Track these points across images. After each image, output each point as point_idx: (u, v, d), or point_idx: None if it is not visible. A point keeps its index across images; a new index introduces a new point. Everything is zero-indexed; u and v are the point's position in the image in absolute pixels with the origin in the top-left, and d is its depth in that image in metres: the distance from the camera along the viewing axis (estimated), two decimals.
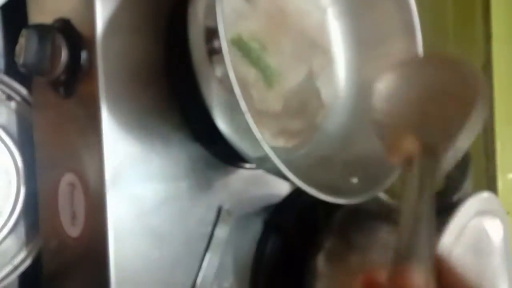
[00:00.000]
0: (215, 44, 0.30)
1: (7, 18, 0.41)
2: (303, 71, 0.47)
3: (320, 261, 0.44)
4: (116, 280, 0.35)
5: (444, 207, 0.38)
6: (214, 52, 0.32)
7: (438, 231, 0.36)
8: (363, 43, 0.49)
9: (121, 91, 0.37)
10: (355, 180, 0.42)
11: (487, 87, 0.50)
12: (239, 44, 0.39)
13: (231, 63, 0.29)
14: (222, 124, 0.34)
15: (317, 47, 0.49)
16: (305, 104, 0.48)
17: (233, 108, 0.31)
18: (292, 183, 0.35)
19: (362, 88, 0.50)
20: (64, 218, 0.37)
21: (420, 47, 0.46)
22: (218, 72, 0.32)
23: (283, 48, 0.45)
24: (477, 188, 0.45)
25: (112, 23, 0.36)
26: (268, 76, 0.43)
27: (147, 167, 0.38)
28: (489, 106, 0.50)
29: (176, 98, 0.40)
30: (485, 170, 0.51)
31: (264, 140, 0.43)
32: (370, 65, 0.49)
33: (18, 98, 0.41)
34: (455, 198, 0.38)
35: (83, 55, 0.35)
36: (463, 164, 0.41)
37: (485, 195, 0.41)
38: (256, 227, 0.48)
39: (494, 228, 0.43)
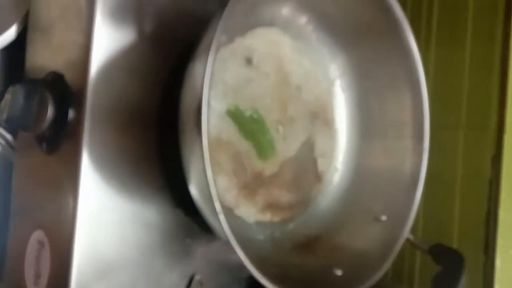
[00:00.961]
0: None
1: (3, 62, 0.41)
2: (301, 140, 0.46)
3: None
4: None
5: None
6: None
7: None
8: (368, 124, 0.47)
9: (105, 151, 0.35)
10: (339, 272, 0.39)
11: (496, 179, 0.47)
12: (235, 115, 0.38)
13: (207, 142, 0.28)
14: (195, 196, 0.32)
15: (319, 118, 0.47)
16: (300, 176, 0.46)
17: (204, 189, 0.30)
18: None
19: (360, 169, 0.48)
20: (28, 276, 0.35)
21: (426, 143, 0.44)
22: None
23: (283, 116, 0.44)
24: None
25: (105, 82, 0.35)
26: (263, 150, 0.41)
27: (122, 232, 0.37)
28: (495, 198, 0.48)
29: (162, 161, 0.39)
30: (482, 272, 0.48)
31: (248, 214, 0.42)
32: (371, 151, 0.47)
33: (2, 141, 0.40)
34: None
35: (71, 113, 0.34)
36: (454, 267, 0.37)
37: None
38: None
39: None
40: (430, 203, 0.52)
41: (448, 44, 0.52)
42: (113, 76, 0.35)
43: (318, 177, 0.47)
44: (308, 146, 0.47)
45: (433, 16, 0.54)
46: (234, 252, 0.44)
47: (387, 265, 0.40)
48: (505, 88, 0.48)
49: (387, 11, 0.41)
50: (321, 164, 0.47)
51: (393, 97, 0.44)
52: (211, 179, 0.28)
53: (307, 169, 0.47)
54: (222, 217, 0.28)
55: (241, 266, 0.46)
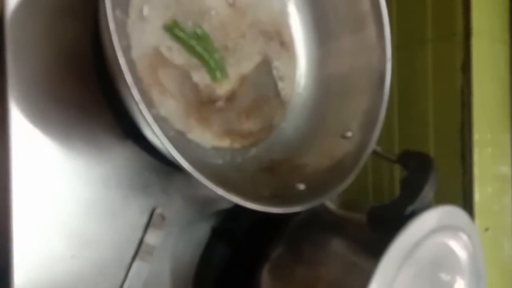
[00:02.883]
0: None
1: None
2: (255, 61, 0.43)
3: (265, 273, 0.40)
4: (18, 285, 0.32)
5: (396, 220, 0.33)
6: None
7: (384, 246, 0.31)
8: (326, 35, 0.45)
9: (36, 82, 0.33)
10: (301, 186, 0.37)
11: (467, 87, 0.45)
12: (173, 30, 0.36)
13: (119, 45, 0.25)
14: (132, 114, 0.30)
15: (274, 39, 0.45)
16: (260, 102, 0.44)
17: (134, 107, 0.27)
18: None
19: (323, 86, 0.46)
20: None
21: (388, 39, 0.42)
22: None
23: (233, 37, 0.41)
24: (452, 201, 0.40)
25: (27, 18, 0.33)
26: (212, 70, 0.39)
27: (68, 165, 0.35)
28: (468, 107, 0.45)
29: (106, 93, 0.37)
30: (461, 182, 0.46)
31: (203, 139, 0.39)
32: (332, 58, 0.44)
33: None
34: (409, 209, 0.34)
35: None
36: (422, 169, 0.36)
37: (449, 208, 0.36)
38: (202, 234, 0.44)
39: (460, 246, 0.38)
40: (404, 119, 0.50)
41: None
42: (36, 12, 0.33)
43: (281, 103, 0.45)
44: (265, 70, 0.44)
45: None
46: (198, 185, 0.43)
47: (352, 177, 0.38)
48: None
49: None
50: (282, 89, 0.45)
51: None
52: (126, 69, 0.26)
53: (267, 94, 0.45)
54: (143, 106, 0.26)
55: (207, 201, 0.45)
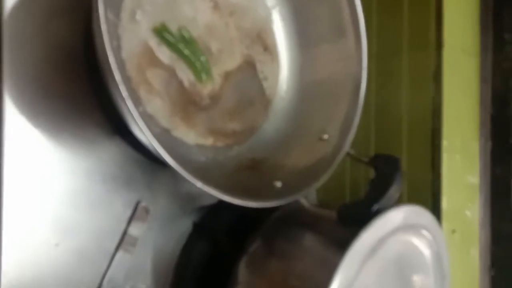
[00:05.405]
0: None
1: None
2: (237, 64, 0.45)
3: (242, 267, 0.42)
4: (5, 276, 0.33)
5: (362, 217, 0.35)
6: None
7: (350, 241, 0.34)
8: (307, 42, 0.48)
9: (29, 77, 0.35)
10: (278, 184, 0.40)
11: (437, 96, 0.48)
12: (162, 33, 0.38)
13: (109, 42, 0.27)
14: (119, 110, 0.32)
15: (257, 43, 0.47)
16: (244, 105, 0.46)
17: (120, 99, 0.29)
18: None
19: (304, 91, 0.48)
20: None
21: (365, 51, 0.44)
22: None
23: (218, 40, 0.44)
24: (422, 204, 0.42)
25: (25, 5, 0.35)
26: (197, 71, 0.41)
27: (55, 156, 0.37)
28: (438, 115, 0.48)
29: (95, 90, 0.39)
30: (430, 185, 0.49)
31: (187, 136, 0.42)
32: (313, 64, 0.47)
33: None
34: (375, 207, 0.36)
35: None
36: (390, 170, 0.38)
37: (413, 207, 0.39)
38: (183, 228, 0.45)
39: (424, 244, 0.41)
40: (380, 124, 0.52)
41: None
42: (31, 12, 0.34)
43: (263, 105, 0.47)
44: (250, 72, 0.47)
45: None
46: (181, 181, 0.45)
47: (326, 176, 0.40)
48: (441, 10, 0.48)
49: None
50: (266, 88, 0.47)
51: (328, 11, 0.45)
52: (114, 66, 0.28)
53: (251, 97, 0.47)
54: (130, 103, 0.28)
55: (189, 197, 0.47)
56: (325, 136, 0.44)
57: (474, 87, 0.52)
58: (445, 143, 0.48)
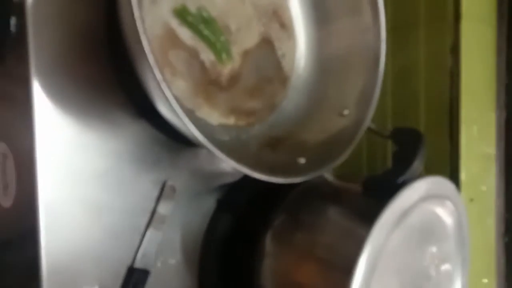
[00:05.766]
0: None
1: None
2: (257, 40, 0.45)
3: (268, 240, 0.43)
4: (47, 252, 0.35)
5: (389, 188, 0.36)
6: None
7: (377, 212, 0.35)
8: (324, 17, 0.47)
9: (55, 61, 0.36)
10: (302, 160, 0.40)
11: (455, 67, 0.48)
12: (182, 14, 0.38)
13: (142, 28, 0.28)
14: (150, 96, 0.33)
15: (274, 20, 0.47)
16: (263, 83, 0.47)
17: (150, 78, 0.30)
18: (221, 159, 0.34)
19: (322, 67, 0.48)
20: None
21: (383, 23, 0.44)
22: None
23: (235, 19, 0.44)
24: (441, 174, 0.43)
25: None
26: (218, 52, 0.41)
27: (84, 139, 0.37)
28: (456, 87, 0.49)
29: (119, 73, 0.39)
30: (449, 156, 0.49)
31: (211, 116, 0.42)
32: (330, 39, 0.47)
33: None
34: (401, 179, 0.37)
35: (13, 21, 0.34)
36: (413, 143, 0.39)
37: (436, 179, 0.40)
38: (208, 205, 0.47)
39: (446, 213, 0.42)
40: (397, 98, 0.53)
41: None
42: None
43: (282, 83, 0.48)
44: (267, 50, 0.47)
45: None
46: (205, 160, 0.46)
47: (348, 151, 0.41)
48: None
49: None
50: (284, 67, 0.48)
51: None
52: (149, 52, 0.28)
53: (269, 75, 0.47)
54: (164, 86, 0.29)
55: (212, 175, 0.48)
56: (345, 112, 0.45)
57: (490, 57, 0.52)
58: (463, 114, 0.48)
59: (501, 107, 0.54)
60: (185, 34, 0.39)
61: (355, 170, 0.56)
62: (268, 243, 0.43)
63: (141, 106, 0.40)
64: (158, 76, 0.28)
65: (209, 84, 0.41)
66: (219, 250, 0.46)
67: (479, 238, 0.52)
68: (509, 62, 0.53)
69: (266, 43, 0.47)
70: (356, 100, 0.45)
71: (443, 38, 0.49)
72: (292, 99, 0.48)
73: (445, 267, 0.42)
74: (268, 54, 0.47)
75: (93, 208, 0.38)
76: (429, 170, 0.51)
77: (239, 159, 0.34)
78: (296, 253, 0.41)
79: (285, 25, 0.48)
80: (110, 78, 0.39)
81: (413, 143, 0.39)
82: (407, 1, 0.52)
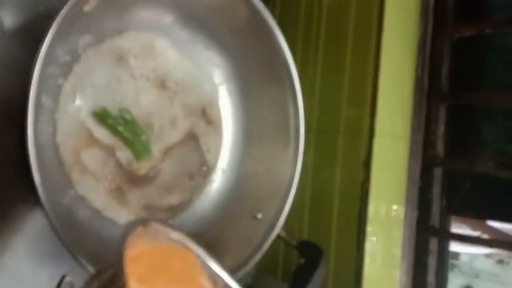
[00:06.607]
0: None
1: None
2: (179, 139, 0.46)
3: None
4: None
5: None
6: None
7: None
8: (253, 129, 0.49)
9: None
10: None
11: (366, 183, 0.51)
12: (103, 118, 0.38)
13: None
14: None
15: (202, 119, 0.48)
16: (184, 178, 0.47)
17: None
18: None
19: (243, 173, 0.49)
20: None
21: (301, 153, 0.46)
22: None
23: (161, 116, 0.44)
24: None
25: None
26: (137, 151, 0.41)
27: None
28: (364, 203, 0.51)
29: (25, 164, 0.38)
30: (354, 267, 0.51)
31: (119, 215, 0.42)
32: (253, 155, 0.49)
33: None
34: None
35: None
36: (315, 260, 0.40)
37: None
38: None
39: None
40: (314, 203, 0.55)
41: (331, 62, 0.56)
42: None
43: (203, 178, 0.48)
44: (192, 146, 0.47)
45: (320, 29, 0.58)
46: None
47: (257, 257, 0.42)
48: (376, 96, 0.52)
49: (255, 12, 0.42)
50: (208, 162, 0.48)
51: (275, 106, 0.47)
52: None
53: (190, 169, 0.48)
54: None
55: None
56: (259, 216, 0.46)
57: (402, 168, 0.56)
58: (369, 229, 0.51)
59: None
60: (102, 133, 0.39)
61: (271, 273, 0.56)
62: None
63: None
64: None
65: (125, 182, 0.41)
66: None
67: None
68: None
69: (192, 138, 0.48)
70: (272, 206, 0.46)
71: (358, 151, 0.53)
72: (209, 197, 0.49)
73: None
74: (193, 149, 0.48)
75: None
76: (336, 273, 0.53)
77: None
78: None
79: (213, 122, 0.50)
80: (16, 170, 0.38)
81: (314, 258, 0.41)
82: (332, 109, 0.56)
